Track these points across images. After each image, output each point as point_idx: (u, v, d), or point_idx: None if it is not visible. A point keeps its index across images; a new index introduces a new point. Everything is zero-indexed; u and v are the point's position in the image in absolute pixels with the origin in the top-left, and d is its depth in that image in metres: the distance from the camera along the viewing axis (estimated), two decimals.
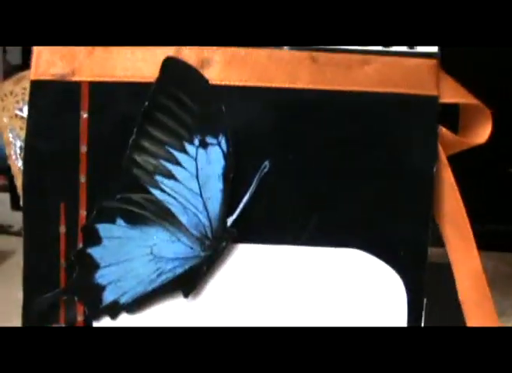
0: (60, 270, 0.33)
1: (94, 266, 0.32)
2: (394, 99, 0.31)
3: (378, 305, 0.32)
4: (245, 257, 0.32)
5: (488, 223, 0.59)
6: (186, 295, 0.32)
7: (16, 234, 0.81)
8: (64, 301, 0.33)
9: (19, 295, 0.34)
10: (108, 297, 0.33)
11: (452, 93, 0.31)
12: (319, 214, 0.31)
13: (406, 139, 0.31)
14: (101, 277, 0.33)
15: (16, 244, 0.76)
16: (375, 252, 0.31)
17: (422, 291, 0.31)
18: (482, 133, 0.32)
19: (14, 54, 0.69)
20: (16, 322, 0.34)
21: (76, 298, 0.33)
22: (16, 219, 0.82)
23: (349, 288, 0.32)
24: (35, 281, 0.33)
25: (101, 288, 0.33)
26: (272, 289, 0.32)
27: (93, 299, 0.33)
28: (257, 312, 0.32)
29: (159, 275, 0.32)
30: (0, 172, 0.73)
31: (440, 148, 0.31)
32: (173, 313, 0.33)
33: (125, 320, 0.33)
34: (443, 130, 0.31)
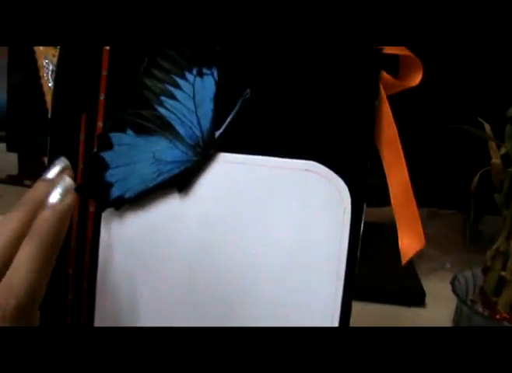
0: (78, 170, 0.41)
1: (105, 167, 0.41)
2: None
3: (326, 206, 0.40)
4: (227, 163, 0.41)
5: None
6: (180, 191, 0.41)
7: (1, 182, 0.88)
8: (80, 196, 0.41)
9: None
10: (115, 192, 0.41)
11: (393, 48, 0.41)
12: (285, 132, 0.40)
13: (356, 79, 0.40)
14: (110, 176, 0.41)
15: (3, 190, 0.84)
16: (328, 165, 0.40)
17: (363, 194, 0.40)
18: (415, 78, 0.41)
19: None
20: None
21: (88, 194, 0.41)
22: (2, 168, 0.89)
23: (302, 193, 0.40)
24: None
25: (109, 185, 0.41)
26: (244, 185, 0.41)
27: (103, 194, 0.41)
28: (231, 207, 0.41)
29: (158, 175, 0.41)
30: None
31: (382, 88, 0.40)
32: (167, 210, 0.41)
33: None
34: (385, 75, 0.40)
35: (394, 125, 0.40)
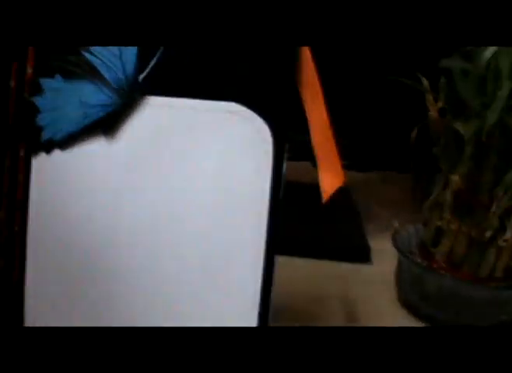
0: (8, 116, 0.43)
1: (36, 111, 0.42)
2: None
3: (249, 147, 0.42)
4: (151, 106, 0.42)
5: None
6: (105, 133, 0.42)
7: None
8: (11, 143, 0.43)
9: None
10: (45, 135, 0.42)
11: None
12: (208, 75, 0.42)
13: None
14: (41, 120, 0.42)
15: None
16: (250, 106, 0.42)
17: (285, 135, 0.42)
18: None
19: None
20: None
21: (19, 138, 0.43)
22: None
23: (225, 134, 0.42)
24: None
25: (40, 129, 0.42)
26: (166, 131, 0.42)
27: (34, 138, 0.42)
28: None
29: (85, 118, 0.42)
30: None
31: None
32: (94, 152, 0.43)
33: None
34: None
35: (313, 66, 0.42)
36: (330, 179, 0.42)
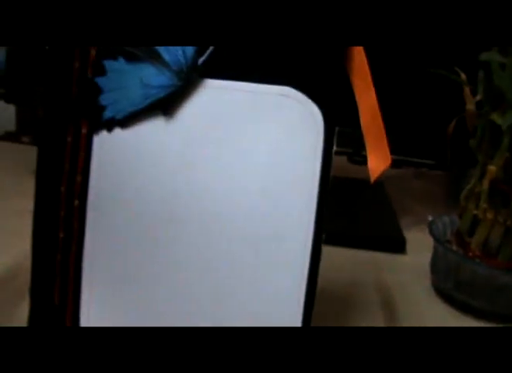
0: (72, 95, 0.45)
1: (98, 91, 0.44)
2: None
3: (301, 129, 0.44)
4: (209, 88, 0.44)
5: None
6: (165, 113, 0.44)
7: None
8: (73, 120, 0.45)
9: None
10: (107, 114, 0.44)
11: None
12: (264, 60, 0.44)
13: None
14: (103, 99, 0.44)
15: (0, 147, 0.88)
16: (303, 90, 0.44)
17: (335, 119, 0.43)
18: None
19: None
20: None
21: (82, 116, 0.45)
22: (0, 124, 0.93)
23: (278, 117, 0.44)
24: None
25: (102, 108, 0.44)
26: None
27: (96, 116, 0.45)
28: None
29: (145, 98, 0.44)
30: None
31: None
32: (153, 132, 0.45)
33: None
34: None
35: (363, 52, 0.44)
36: (378, 161, 0.44)
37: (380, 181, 0.83)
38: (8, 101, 0.82)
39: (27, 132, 0.90)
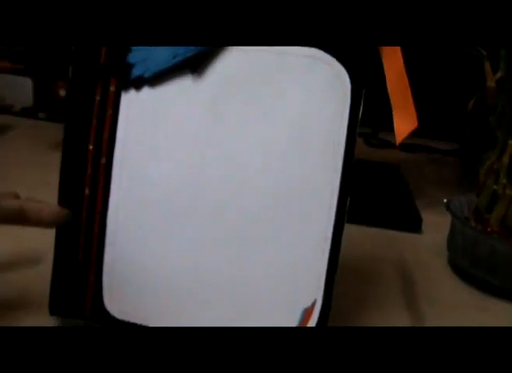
0: (101, 53, 0.45)
1: (127, 49, 0.45)
2: None
3: (328, 91, 0.44)
4: (237, 50, 0.44)
5: None
6: (192, 72, 0.44)
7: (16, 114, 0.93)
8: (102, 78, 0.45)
9: None
10: (135, 72, 0.44)
11: None
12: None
13: None
14: (132, 57, 0.44)
15: (15, 122, 0.88)
16: (331, 53, 0.44)
17: (363, 81, 0.44)
18: None
19: None
20: None
21: (111, 74, 0.45)
22: (16, 99, 0.93)
23: (307, 77, 0.44)
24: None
25: (131, 66, 0.44)
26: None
27: (124, 74, 0.45)
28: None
29: (174, 57, 0.44)
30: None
31: None
32: (180, 91, 0.45)
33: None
34: None
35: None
36: (404, 123, 0.44)
37: (397, 164, 0.83)
38: (26, 75, 0.82)
39: (44, 108, 0.90)
